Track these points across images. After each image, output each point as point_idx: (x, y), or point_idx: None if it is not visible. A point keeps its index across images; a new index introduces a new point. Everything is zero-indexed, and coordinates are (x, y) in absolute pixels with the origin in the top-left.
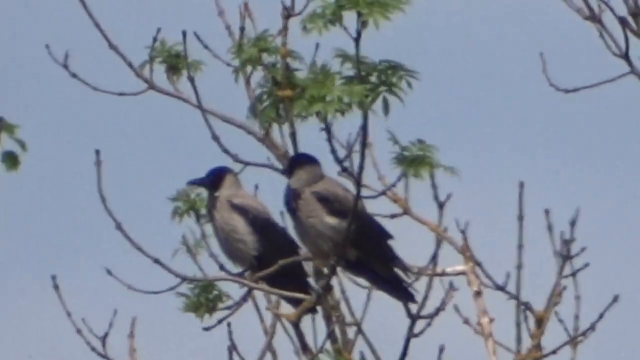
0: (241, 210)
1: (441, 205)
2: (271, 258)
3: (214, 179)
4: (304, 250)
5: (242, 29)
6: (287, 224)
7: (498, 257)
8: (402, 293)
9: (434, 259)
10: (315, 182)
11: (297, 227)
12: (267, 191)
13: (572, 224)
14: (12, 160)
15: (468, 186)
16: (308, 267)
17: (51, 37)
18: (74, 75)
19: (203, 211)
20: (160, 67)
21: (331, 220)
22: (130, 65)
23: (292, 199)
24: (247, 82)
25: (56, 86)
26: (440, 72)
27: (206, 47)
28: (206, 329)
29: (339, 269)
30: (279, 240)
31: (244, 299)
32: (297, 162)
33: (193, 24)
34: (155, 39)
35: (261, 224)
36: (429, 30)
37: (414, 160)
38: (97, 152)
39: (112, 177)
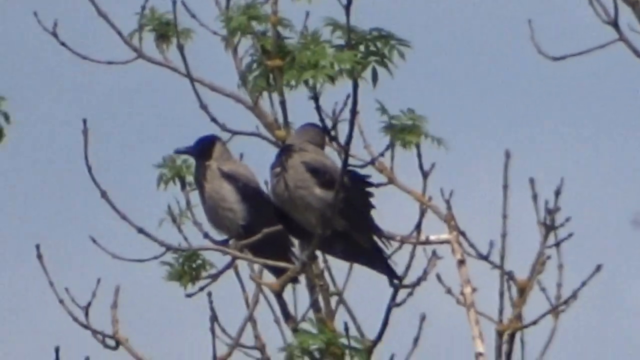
0: (231, 178)
1: (426, 175)
2: (259, 227)
3: (203, 147)
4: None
5: None
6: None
7: (482, 227)
8: (384, 267)
9: (418, 227)
10: (308, 148)
11: (281, 193)
12: (255, 160)
13: (557, 193)
14: None
15: (453, 155)
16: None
17: (40, 5)
18: (62, 44)
19: (189, 178)
20: (149, 35)
21: (320, 192)
22: (119, 33)
23: (281, 154)
24: (235, 51)
25: (45, 54)
26: (427, 41)
27: (193, 16)
28: (189, 295)
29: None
30: (267, 210)
31: (227, 267)
32: (305, 126)
33: None
34: (144, 7)
35: (250, 193)
36: None
37: (403, 129)
38: (84, 120)
39: (99, 146)
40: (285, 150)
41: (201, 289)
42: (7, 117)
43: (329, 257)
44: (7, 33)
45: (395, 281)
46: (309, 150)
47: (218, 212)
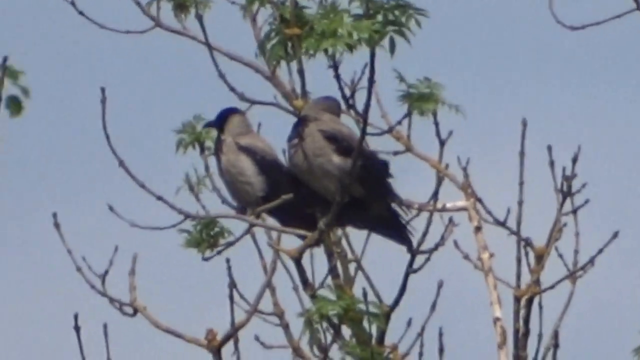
0: (248, 151)
1: (443, 143)
2: (278, 198)
3: (221, 120)
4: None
5: None
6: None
7: (499, 194)
8: (401, 234)
9: (435, 195)
10: (324, 117)
11: (299, 162)
12: (272, 130)
13: (574, 160)
14: (16, 105)
15: (471, 123)
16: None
17: None
18: (80, 13)
19: (208, 143)
20: (167, 5)
21: (338, 160)
22: (137, 3)
23: (298, 125)
24: (254, 19)
25: (63, 24)
26: (444, 10)
27: None
28: (206, 259)
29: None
30: (286, 181)
31: (245, 233)
32: (322, 97)
33: None
34: None
35: (268, 166)
36: None
37: (420, 98)
38: (103, 89)
39: (117, 115)
40: (301, 121)
41: (219, 252)
42: (25, 91)
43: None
44: (25, 3)
45: (410, 246)
46: (326, 119)
47: (237, 186)
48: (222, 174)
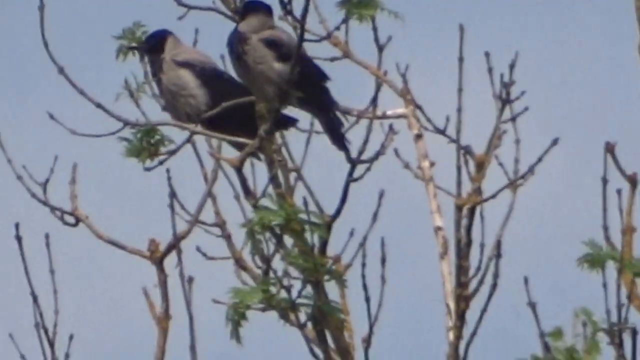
0: (187, 65)
1: (381, 48)
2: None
3: (155, 42)
4: None
5: None
6: (229, 67)
7: (438, 101)
8: (339, 141)
9: (374, 101)
10: (264, 30)
11: (241, 72)
12: (211, 36)
13: (512, 67)
14: None
15: (409, 29)
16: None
17: None
18: None
19: None
20: None
21: (279, 66)
22: None
23: (238, 43)
24: None
25: None
26: None
27: None
28: (147, 169)
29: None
30: (230, 89)
31: (185, 142)
32: (251, 8)
33: None
34: None
35: (209, 76)
36: None
37: (359, 4)
38: None
39: (56, 22)
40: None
41: (160, 162)
42: None
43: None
44: None
45: (349, 154)
46: (266, 30)
47: (179, 101)
48: (164, 94)
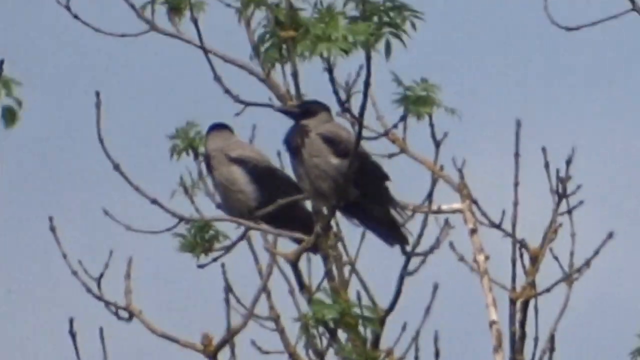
0: (240, 162)
1: (438, 144)
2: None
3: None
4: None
5: None
6: (285, 164)
7: (494, 196)
8: (397, 235)
9: (429, 196)
10: (323, 125)
11: (297, 167)
12: (267, 132)
13: (568, 162)
14: (11, 115)
15: (466, 125)
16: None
17: None
18: (75, 17)
19: (202, 149)
20: (162, 8)
21: (335, 161)
22: (132, 6)
23: (297, 136)
24: (248, 23)
25: (58, 27)
26: (439, 12)
27: None
28: (201, 266)
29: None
30: (282, 186)
31: (240, 238)
32: (311, 108)
33: None
34: None
35: (260, 173)
36: None
37: (417, 101)
38: (97, 93)
39: (112, 120)
40: (299, 125)
41: (214, 259)
42: (19, 103)
43: (342, 228)
44: (20, 6)
45: (405, 247)
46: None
47: (230, 196)
48: (217, 187)
